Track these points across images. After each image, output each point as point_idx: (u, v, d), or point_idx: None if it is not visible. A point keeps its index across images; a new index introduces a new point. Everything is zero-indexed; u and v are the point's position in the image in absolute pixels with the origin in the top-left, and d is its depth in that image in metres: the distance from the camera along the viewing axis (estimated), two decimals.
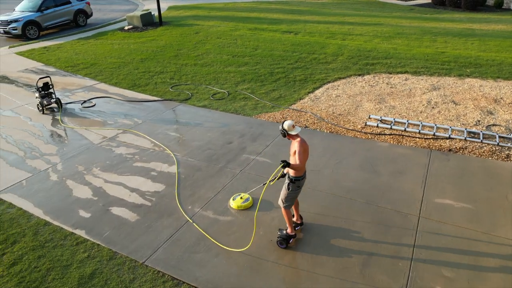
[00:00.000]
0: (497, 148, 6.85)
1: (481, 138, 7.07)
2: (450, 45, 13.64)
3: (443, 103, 8.65)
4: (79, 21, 19.17)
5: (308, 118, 8.28)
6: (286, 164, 4.25)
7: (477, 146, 6.92)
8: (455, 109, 8.32)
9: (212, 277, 4.40)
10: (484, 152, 6.76)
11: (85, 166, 6.71)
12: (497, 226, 5.02)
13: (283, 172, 4.62)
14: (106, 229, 5.17)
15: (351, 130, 7.70)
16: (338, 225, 5.15)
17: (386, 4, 26.23)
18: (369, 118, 8.12)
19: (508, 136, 7.09)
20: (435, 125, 7.58)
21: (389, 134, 7.44)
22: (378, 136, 7.44)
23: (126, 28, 17.46)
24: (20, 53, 14.36)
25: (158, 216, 5.43)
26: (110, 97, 9.87)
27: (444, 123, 7.77)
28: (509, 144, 6.89)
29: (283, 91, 9.83)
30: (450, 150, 6.86)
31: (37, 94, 8.81)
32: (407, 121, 7.83)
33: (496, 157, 6.62)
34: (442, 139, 7.19)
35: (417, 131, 7.45)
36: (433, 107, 8.48)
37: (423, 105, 8.61)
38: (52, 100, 9.04)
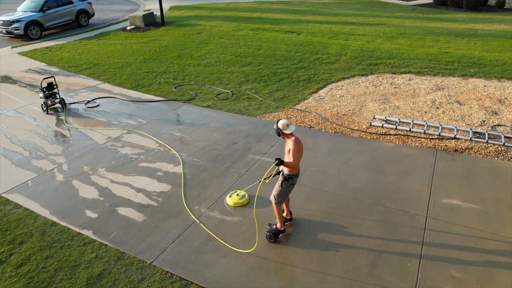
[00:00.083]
0: (503, 148, 6.84)
1: (487, 139, 7.06)
2: (453, 45, 13.64)
3: (448, 103, 8.65)
4: (81, 21, 19.18)
5: (313, 118, 8.27)
6: (280, 162, 4.33)
7: (482, 147, 6.91)
8: (460, 109, 8.31)
9: (221, 277, 4.39)
10: (490, 152, 6.75)
11: (90, 166, 6.70)
12: (506, 227, 5.01)
13: (278, 169, 4.68)
14: (113, 230, 5.17)
15: (356, 130, 7.69)
16: (345, 225, 5.15)
17: (387, 4, 26.23)
18: (374, 118, 8.11)
19: None
20: (440, 125, 7.57)
21: (394, 134, 7.43)
22: (383, 136, 7.43)
23: (128, 28, 17.45)
24: (23, 53, 14.36)
25: (165, 216, 5.42)
26: (114, 97, 9.86)
27: (449, 123, 7.76)
28: None
29: (287, 91, 9.82)
30: (456, 150, 6.86)
31: (41, 94, 8.81)
32: (412, 121, 7.82)
33: (502, 158, 6.61)
34: (448, 139, 7.18)
35: (422, 131, 7.45)
36: (437, 107, 8.47)
37: (428, 105, 8.60)
38: (56, 100, 9.03)
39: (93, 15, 20.00)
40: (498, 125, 7.61)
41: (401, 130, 7.56)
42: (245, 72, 11.29)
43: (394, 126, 7.65)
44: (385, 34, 15.43)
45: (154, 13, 18.37)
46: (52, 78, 9.22)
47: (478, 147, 6.90)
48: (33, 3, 17.72)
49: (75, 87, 10.64)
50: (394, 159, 6.67)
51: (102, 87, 10.62)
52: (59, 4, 18.10)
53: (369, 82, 10.13)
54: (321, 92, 9.69)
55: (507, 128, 7.48)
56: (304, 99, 9.29)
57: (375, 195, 5.73)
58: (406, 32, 15.78)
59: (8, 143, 7.56)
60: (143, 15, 17.47)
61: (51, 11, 17.68)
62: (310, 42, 14.16)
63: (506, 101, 8.60)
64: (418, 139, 7.27)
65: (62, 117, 8.70)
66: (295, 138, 4.48)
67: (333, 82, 10.32)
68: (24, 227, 5.24)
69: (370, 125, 7.84)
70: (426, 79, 10.14)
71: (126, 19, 20.27)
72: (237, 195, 5.70)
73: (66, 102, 9.35)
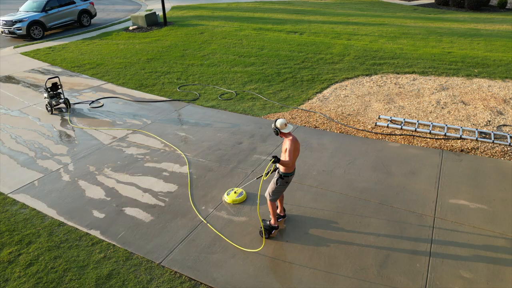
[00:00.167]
0: (508, 148, 6.84)
1: (493, 139, 7.06)
2: (456, 45, 13.63)
3: (453, 103, 8.64)
4: (83, 21, 19.17)
5: (318, 118, 8.26)
6: (276, 160, 4.40)
7: (488, 147, 6.91)
8: (465, 109, 8.31)
9: (229, 278, 4.39)
10: (496, 152, 6.75)
11: (96, 166, 6.70)
12: None
13: (275, 166, 4.73)
14: (121, 230, 5.16)
15: (362, 130, 7.68)
16: (353, 225, 5.14)
17: (389, 4, 26.21)
18: (379, 118, 8.11)
19: None
20: (446, 125, 7.57)
21: (400, 135, 7.42)
22: (389, 136, 7.43)
23: (130, 28, 17.45)
24: (25, 53, 14.36)
25: (172, 216, 5.42)
26: (118, 97, 9.86)
27: (454, 123, 7.76)
28: None
29: (291, 91, 9.82)
30: (462, 150, 6.85)
31: (45, 95, 8.80)
32: (417, 121, 7.81)
33: (508, 158, 6.61)
34: (454, 139, 7.17)
35: (428, 131, 7.44)
36: (442, 107, 8.46)
37: (432, 105, 8.59)
38: (61, 101, 9.04)
39: (95, 15, 20.00)
40: (504, 125, 7.60)
41: (407, 130, 7.56)
42: (249, 72, 11.29)
43: (400, 126, 7.64)
44: (387, 34, 15.42)
45: (156, 13, 18.37)
46: (57, 78, 9.23)
47: (484, 147, 6.89)
48: (35, 3, 17.72)
49: (78, 87, 10.63)
50: (400, 159, 6.67)
51: (105, 87, 10.62)
52: (61, 4, 18.09)
53: (373, 82, 10.13)
54: (325, 92, 9.69)
55: None
56: (308, 99, 9.28)
57: (382, 195, 5.73)
58: (409, 32, 15.77)
59: (14, 143, 7.56)
60: (146, 15, 17.47)
61: (53, 11, 17.68)
62: (313, 42, 14.15)
63: (511, 101, 8.59)
64: (424, 139, 7.27)
65: (67, 117, 8.70)
66: (293, 137, 4.55)
67: (337, 82, 10.31)
68: (32, 227, 5.24)
69: (376, 125, 7.84)
70: (430, 79, 10.13)
71: (128, 19, 20.28)
72: (235, 192, 5.76)
73: (70, 102, 9.35)
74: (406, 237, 4.91)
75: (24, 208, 5.64)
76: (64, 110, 9.13)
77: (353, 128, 7.76)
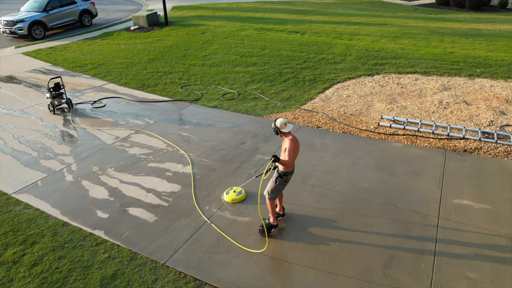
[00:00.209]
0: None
1: (496, 139, 7.05)
2: (458, 45, 13.63)
3: (455, 103, 8.64)
4: (84, 21, 19.16)
5: (320, 118, 8.26)
6: (276, 159, 4.44)
7: (492, 147, 6.91)
8: (468, 109, 8.31)
9: (234, 278, 4.39)
10: (499, 152, 6.74)
11: (99, 166, 6.70)
12: None
13: (274, 165, 4.75)
14: (125, 230, 5.16)
15: (364, 130, 7.68)
16: (357, 226, 5.14)
17: (389, 4, 26.21)
18: (382, 118, 8.11)
19: None
20: (449, 125, 7.56)
21: (403, 135, 7.42)
22: (392, 136, 7.42)
23: (132, 28, 17.45)
24: (27, 53, 14.35)
25: (176, 216, 5.42)
26: (120, 97, 9.86)
27: (457, 123, 7.75)
28: None
29: (293, 91, 9.82)
30: (465, 150, 6.85)
31: (48, 95, 8.80)
32: (420, 121, 7.81)
33: (511, 158, 6.60)
34: (457, 139, 7.17)
35: (431, 131, 7.44)
36: (445, 107, 8.46)
37: (435, 105, 8.59)
38: (63, 101, 9.04)
39: (96, 15, 19.99)
40: (507, 125, 7.60)
41: (410, 130, 7.56)
42: (251, 72, 11.29)
43: (402, 126, 7.64)
44: (389, 34, 15.42)
45: (158, 13, 18.36)
46: (59, 78, 9.24)
47: (487, 147, 6.89)
48: (36, 3, 17.71)
49: (80, 87, 10.63)
50: (403, 159, 6.67)
51: (107, 87, 10.62)
52: (62, 4, 18.08)
53: (375, 82, 10.13)
54: (327, 92, 9.69)
55: None
56: (311, 99, 9.28)
57: (386, 195, 5.72)
58: (410, 32, 15.77)
59: (16, 143, 7.56)
60: (147, 15, 17.47)
61: (54, 11, 17.67)
62: (314, 42, 14.15)
63: None
64: (427, 139, 7.27)
65: (69, 117, 8.70)
66: (293, 137, 4.57)
67: (339, 82, 10.31)
68: (36, 227, 5.23)
69: (378, 125, 7.84)
70: (432, 79, 10.13)
71: (129, 19, 20.28)
72: (234, 191, 5.79)
73: (73, 102, 9.35)
74: (410, 237, 4.91)
75: (27, 208, 5.64)
76: (66, 110, 9.13)
77: (356, 128, 7.76)
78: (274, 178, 4.77)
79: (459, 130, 7.46)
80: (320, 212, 5.41)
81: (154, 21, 17.82)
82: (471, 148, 6.90)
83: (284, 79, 10.61)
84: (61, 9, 18.02)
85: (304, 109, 8.73)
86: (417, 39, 14.63)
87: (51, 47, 15.02)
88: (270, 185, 4.83)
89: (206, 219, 5.33)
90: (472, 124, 7.68)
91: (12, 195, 5.97)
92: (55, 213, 5.52)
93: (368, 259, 4.60)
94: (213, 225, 5.21)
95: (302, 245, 4.85)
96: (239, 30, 16.31)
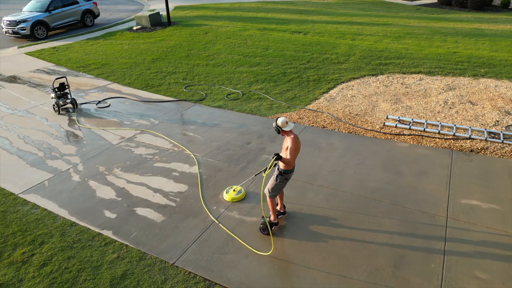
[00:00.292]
0: None
1: (502, 139, 7.05)
2: (461, 45, 13.62)
3: (460, 103, 8.63)
4: (86, 21, 19.17)
5: (325, 118, 8.26)
6: (278, 157, 4.46)
7: (498, 147, 6.90)
8: (473, 109, 8.30)
9: (244, 278, 4.38)
10: (506, 152, 6.74)
11: (106, 166, 6.69)
12: None
13: (275, 163, 4.74)
14: (133, 230, 5.16)
15: (370, 130, 7.68)
16: (366, 226, 5.14)
17: (391, 4, 26.21)
18: (387, 118, 8.10)
19: None
20: (455, 125, 7.56)
21: (409, 135, 7.42)
22: (398, 136, 7.42)
23: (134, 28, 17.45)
24: (30, 53, 14.35)
25: (184, 216, 5.42)
26: (124, 97, 9.85)
27: (463, 123, 7.75)
28: None
29: (297, 91, 9.81)
30: (471, 150, 6.84)
31: (53, 95, 8.80)
32: (426, 121, 7.81)
33: None
34: (463, 139, 7.17)
35: (437, 131, 7.43)
36: (450, 107, 8.46)
37: (440, 105, 8.58)
38: (68, 101, 9.04)
39: (98, 15, 20.00)
40: None
41: (415, 130, 7.55)
42: (254, 72, 11.28)
43: (408, 126, 7.64)
44: (392, 34, 15.41)
45: (160, 13, 18.36)
46: (64, 79, 9.22)
47: (494, 147, 6.88)
48: (39, 3, 17.71)
49: (85, 87, 10.63)
50: (409, 159, 6.66)
51: (111, 87, 10.61)
52: (64, 4, 18.09)
53: (380, 82, 10.12)
54: (331, 92, 9.68)
55: None
56: (315, 99, 9.28)
57: (393, 195, 5.72)
58: (413, 32, 15.77)
59: (22, 144, 7.56)
60: (150, 15, 17.47)
61: (57, 11, 17.67)
62: (317, 42, 14.15)
63: None
64: (433, 139, 7.26)
65: (74, 118, 8.70)
66: (294, 136, 4.60)
67: (343, 82, 10.31)
68: (44, 228, 5.23)
69: (384, 125, 7.83)
70: (437, 79, 10.12)
71: (131, 19, 20.29)
72: (234, 190, 5.81)
73: (77, 102, 9.35)
74: (419, 237, 4.90)
75: (35, 208, 5.64)
76: (71, 110, 9.13)
77: (362, 128, 7.76)
78: (275, 176, 4.81)
79: (465, 130, 7.46)
80: (328, 212, 5.41)
81: (156, 21, 17.82)
82: (477, 148, 6.90)
83: (288, 79, 10.61)
84: (64, 9, 18.02)
85: (309, 109, 8.73)
86: (420, 39, 14.62)
87: (54, 47, 15.02)
88: (270, 183, 4.88)
89: (214, 219, 5.33)
90: (478, 124, 7.68)
91: (19, 195, 5.97)
92: (63, 213, 5.52)
93: (377, 260, 4.59)
94: (221, 225, 5.21)
95: (311, 245, 4.84)
96: (241, 30, 16.31)
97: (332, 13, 21.25)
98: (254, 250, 4.75)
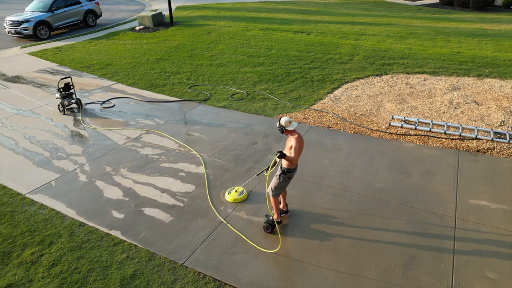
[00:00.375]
0: None
1: (508, 139, 7.05)
2: (465, 45, 13.62)
3: (465, 103, 8.63)
4: (88, 21, 19.16)
5: (331, 119, 8.25)
6: (282, 155, 4.46)
7: (504, 147, 6.90)
8: (478, 110, 8.30)
9: (254, 278, 4.38)
10: None
11: (112, 166, 6.69)
12: None
13: (277, 161, 4.74)
14: (142, 230, 5.16)
15: (376, 130, 7.67)
16: (374, 226, 5.13)
17: (393, 4, 26.20)
18: (392, 118, 8.10)
19: None
20: (460, 125, 7.56)
21: (415, 135, 7.41)
22: (404, 136, 7.42)
23: (137, 28, 17.45)
24: (33, 54, 14.35)
25: (192, 217, 5.41)
26: (128, 97, 9.85)
27: (468, 123, 7.75)
28: None
29: (302, 91, 9.81)
30: (478, 150, 6.84)
31: (58, 95, 8.80)
32: (431, 121, 7.80)
33: None
34: (469, 139, 7.16)
35: (443, 131, 7.43)
36: (455, 108, 8.45)
37: (445, 105, 8.58)
38: (73, 101, 9.04)
39: (100, 15, 19.99)
40: None
41: (421, 130, 7.55)
42: (258, 72, 11.28)
43: (414, 126, 7.63)
44: (395, 34, 15.41)
45: (162, 13, 18.36)
46: (69, 79, 9.23)
47: (500, 148, 6.88)
48: (41, 3, 17.71)
49: (89, 87, 10.63)
50: (416, 159, 6.66)
51: (116, 87, 10.61)
52: (67, 4, 18.09)
53: (384, 82, 10.12)
54: (336, 92, 9.68)
55: None
56: (320, 99, 9.27)
57: (401, 195, 5.72)
58: (416, 32, 15.76)
59: (28, 144, 7.56)
60: (152, 15, 17.47)
61: (59, 11, 17.67)
62: (321, 42, 14.14)
63: None
64: (439, 139, 7.26)
65: (79, 118, 8.70)
66: (298, 135, 4.61)
67: (347, 82, 10.30)
68: (52, 228, 5.23)
69: (389, 125, 7.83)
70: (441, 79, 10.12)
71: (134, 19, 20.28)
72: (236, 191, 5.81)
73: (82, 102, 9.35)
74: (428, 237, 4.90)
75: (43, 209, 5.64)
76: (75, 110, 9.13)
77: (367, 128, 7.75)
78: (278, 175, 4.82)
79: (471, 130, 7.45)
80: (337, 212, 5.41)
81: (159, 21, 17.82)
82: (484, 148, 6.89)
83: (292, 79, 10.61)
84: (66, 9, 18.02)
85: (314, 109, 8.73)
86: (424, 39, 14.62)
87: (57, 47, 15.02)
88: (273, 182, 4.90)
89: (222, 220, 5.33)
90: (484, 124, 7.67)
91: (26, 195, 5.97)
92: (71, 213, 5.52)
93: (387, 260, 4.59)
94: (230, 226, 5.21)
95: (321, 245, 4.84)
96: (244, 30, 16.31)
97: (334, 13, 21.25)
98: (262, 249, 4.75)
